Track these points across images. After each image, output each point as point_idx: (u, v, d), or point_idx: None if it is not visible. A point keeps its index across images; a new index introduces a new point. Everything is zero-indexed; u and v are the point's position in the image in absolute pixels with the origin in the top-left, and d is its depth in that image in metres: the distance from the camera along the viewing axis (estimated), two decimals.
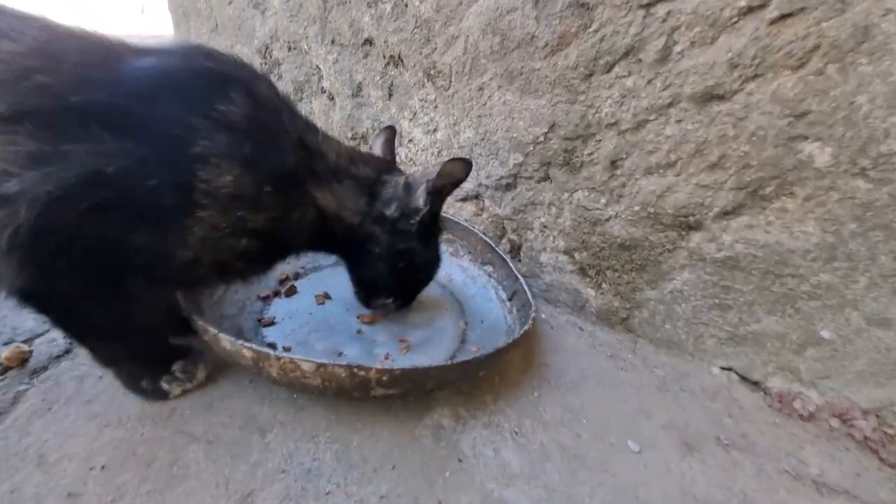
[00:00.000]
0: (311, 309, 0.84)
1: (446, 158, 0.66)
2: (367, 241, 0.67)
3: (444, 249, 1.03)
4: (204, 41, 1.36)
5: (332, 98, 1.15)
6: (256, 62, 1.24)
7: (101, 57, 0.47)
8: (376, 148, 0.79)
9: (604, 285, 0.87)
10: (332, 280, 0.93)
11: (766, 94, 0.62)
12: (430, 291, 0.95)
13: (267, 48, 1.21)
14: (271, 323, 0.78)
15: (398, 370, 0.54)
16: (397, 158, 1.04)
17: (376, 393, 0.56)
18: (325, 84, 1.15)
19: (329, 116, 1.17)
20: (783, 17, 0.59)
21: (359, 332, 0.80)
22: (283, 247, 0.61)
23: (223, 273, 0.56)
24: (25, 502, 0.48)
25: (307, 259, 0.98)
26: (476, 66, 0.87)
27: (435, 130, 0.99)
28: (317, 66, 1.14)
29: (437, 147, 1.00)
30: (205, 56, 0.53)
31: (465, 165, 0.66)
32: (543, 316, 0.92)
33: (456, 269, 1.00)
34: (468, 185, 0.98)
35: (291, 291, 0.87)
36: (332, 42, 1.08)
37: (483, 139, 0.91)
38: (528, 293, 0.82)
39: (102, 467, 0.53)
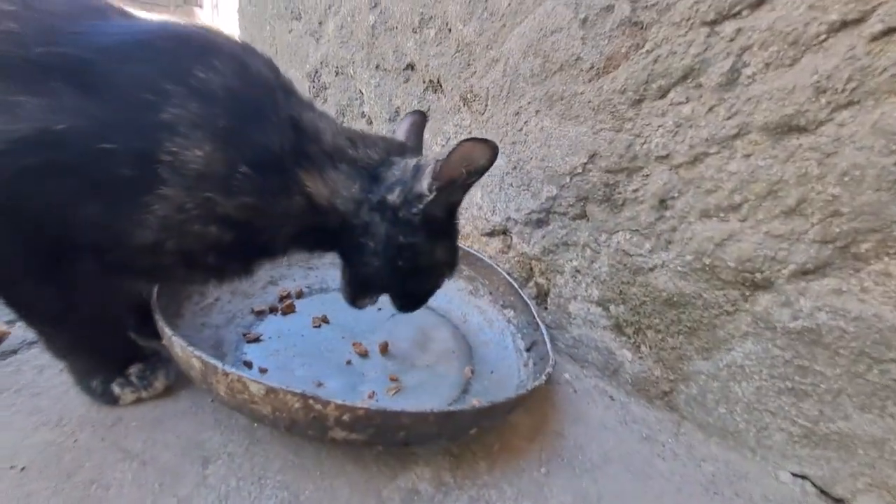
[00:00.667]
0: (304, 331, 0.76)
1: (464, 137, 0.56)
2: (362, 232, 0.57)
3: (463, 287, 0.94)
4: None
5: (370, 122, 1.14)
6: (305, 85, 1.27)
7: (84, 11, 0.45)
8: (399, 132, 0.70)
9: (643, 348, 0.72)
10: (336, 304, 0.85)
11: (863, 126, 0.49)
12: (440, 330, 0.84)
13: (316, 72, 1.24)
14: (256, 339, 0.71)
15: (362, 409, 0.44)
16: None
17: (336, 435, 0.46)
18: (366, 108, 1.14)
19: None
20: (889, 31, 0.47)
21: (348, 362, 0.70)
22: (263, 242, 0.53)
23: (190, 266, 0.49)
24: None
25: (315, 278, 0.92)
26: (514, 90, 0.80)
27: None
28: (360, 91, 1.14)
29: None
30: (201, 27, 0.49)
31: (487, 148, 0.52)
32: (566, 376, 0.78)
33: (473, 309, 0.90)
34: (495, 219, 0.89)
35: (289, 310, 0.80)
36: (377, 67, 1.08)
37: (515, 168, 0.83)
38: (549, 345, 0.70)
39: (22, 468, 0.46)
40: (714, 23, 0.58)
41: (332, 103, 1.22)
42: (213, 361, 0.45)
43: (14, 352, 0.61)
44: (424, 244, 0.58)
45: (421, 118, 0.72)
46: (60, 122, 0.39)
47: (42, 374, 0.58)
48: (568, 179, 0.76)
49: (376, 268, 0.58)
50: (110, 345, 0.54)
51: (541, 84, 0.76)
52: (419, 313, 0.88)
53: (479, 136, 0.52)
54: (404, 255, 0.58)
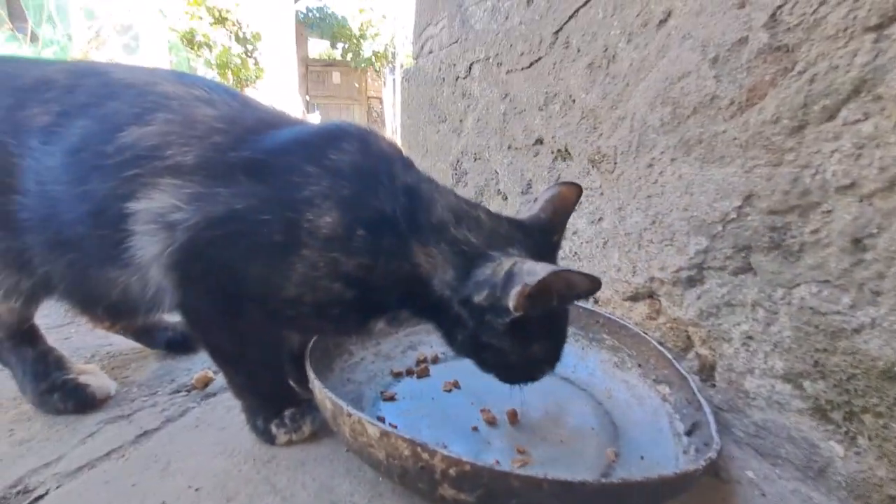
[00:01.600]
0: (435, 394, 0.77)
1: (567, 268, 0.50)
2: (454, 320, 0.57)
3: (607, 358, 0.84)
4: (418, 161, 1.66)
5: (505, 198, 1.20)
6: (449, 174, 1.42)
7: (265, 124, 0.61)
8: (538, 203, 0.66)
9: (860, 439, 0.52)
10: (468, 371, 0.84)
11: None
12: (578, 403, 0.76)
13: (458, 161, 1.39)
14: (391, 398, 0.74)
15: (468, 465, 0.41)
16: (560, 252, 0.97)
17: (445, 493, 0.44)
18: (501, 186, 1.21)
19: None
20: None
21: (475, 429, 0.68)
22: (377, 300, 0.58)
23: (321, 317, 0.57)
24: (136, 496, 0.52)
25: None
26: (644, 143, 0.77)
27: (600, 219, 0.89)
28: (495, 171, 1.23)
29: (602, 237, 0.89)
30: (342, 123, 0.61)
31: (587, 281, 0.49)
32: (750, 475, 0.60)
33: (619, 384, 0.79)
34: (637, 280, 0.81)
35: (424, 373, 0.83)
36: (508, 147, 1.16)
37: (654, 222, 0.76)
38: (713, 427, 0.57)
39: (197, 489, 0.54)
40: (880, 27, 0.48)
41: (472, 185, 1.33)
42: (340, 402, 0.49)
43: (214, 394, 0.76)
44: (513, 348, 0.57)
45: (569, 191, 0.65)
46: (240, 203, 0.52)
47: (230, 412, 0.71)
48: (720, 228, 0.66)
49: (469, 353, 0.60)
50: (272, 388, 0.64)
51: (673, 131, 0.72)
52: (556, 384, 0.82)
53: (580, 271, 0.50)
54: (492, 352, 0.58)
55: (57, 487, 0.54)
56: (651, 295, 0.80)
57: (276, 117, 0.64)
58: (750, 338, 0.64)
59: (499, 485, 0.41)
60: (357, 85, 16.26)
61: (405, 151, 1.76)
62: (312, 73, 14.83)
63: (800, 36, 0.55)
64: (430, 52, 1.58)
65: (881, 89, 0.49)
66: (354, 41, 13.43)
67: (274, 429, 0.62)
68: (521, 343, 0.56)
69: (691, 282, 0.71)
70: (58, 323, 0.95)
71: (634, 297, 0.83)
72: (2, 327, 0.68)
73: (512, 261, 0.54)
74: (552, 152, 1.01)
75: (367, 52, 13.13)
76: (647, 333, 0.78)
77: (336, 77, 15.75)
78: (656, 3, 0.74)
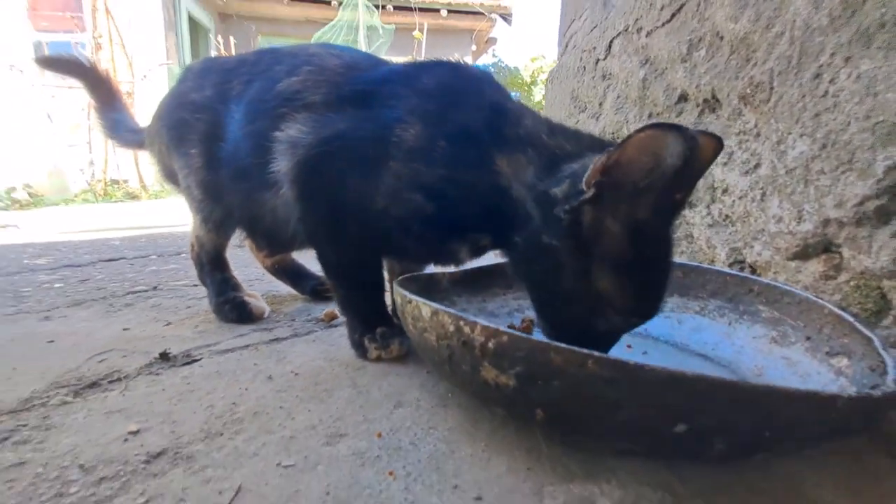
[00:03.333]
0: None
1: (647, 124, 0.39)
2: (519, 225, 0.51)
3: (761, 334, 0.66)
4: None
5: None
6: None
7: (372, 64, 0.69)
8: None
9: None
10: None
11: None
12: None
13: None
14: None
15: (506, 335, 0.37)
16: (709, 217, 0.82)
17: (487, 375, 0.40)
18: None
19: None
20: None
21: None
22: (457, 216, 0.57)
23: (406, 234, 0.60)
24: (254, 370, 0.62)
25: None
26: (807, 51, 0.61)
27: (756, 166, 0.72)
28: None
29: (759, 187, 0.71)
30: (440, 59, 0.65)
31: (676, 138, 0.38)
32: None
33: (776, 360, 0.60)
34: (805, 228, 0.62)
35: (527, 331, 0.78)
36: (649, 115, 1.05)
37: (825, 146, 0.58)
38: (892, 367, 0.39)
39: (296, 374, 0.62)
40: None
41: None
42: (404, 291, 0.51)
43: (336, 326, 0.86)
44: (569, 256, 0.47)
45: (705, 143, 0.42)
46: (343, 124, 0.60)
47: (342, 337, 0.77)
48: None
49: (525, 272, 0.52)
50: (369, 305, 0.69)
51: (846, 25, 0.55)
52: (683, 358, 0.68)
53: (670, 123, 0.39)
54: (544, 261, 0.49)
55: (208, 357, 0.68)
56: (827, 247, 0.60)
57: (390, 62, 0.73)
58: None
59: (538, 360, 0.36)
60: None
61: None
62: None
63: None
64: (574, 46, 1.57)
65: None
66: (526, 88, 14.12)
67: (367, 342, 0.66)
68: (582, 253, 0.46)
69: (883, 215, 0.52)
70: (246, 278, 1.22)
71: (803, 254, 0.64)
72: (204, 253, 0.90)
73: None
74: (697, 105, 0.88)
75: (537, 96, 13.63)
76: (820, 298, 0.58)
77: None
78: None
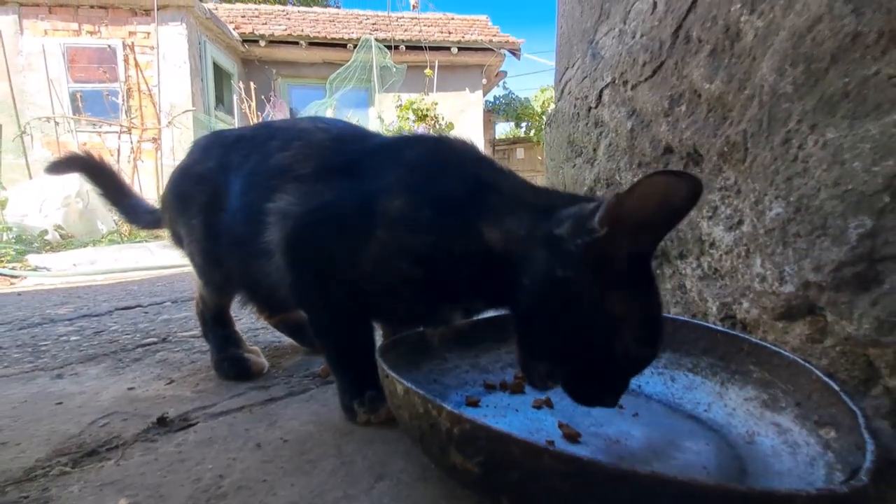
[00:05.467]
0: (521, 408, 0.71)
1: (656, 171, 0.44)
2: (521, 269, 0.53)
3: (753, 395, 0.65)
4: None
5: None
6: None
7: (362, 138, 0.73)
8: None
9: None
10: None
11: None
12: (696, 440, 0.60)
13: (591, 190, 1.32)
14: (475, 403, 0.72)
15: (468, 422, 0.38)
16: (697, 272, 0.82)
17: (455, 459, 0.41)
18: None
19: None
20: None
21: (550, 442, 0.60)
22: (445, 283, 0.59)
23: (395, 299, 0.61)
24: (245, 437, 0.63)
25: None
26: (776, 116, 0.62)
27: (739, 223, 0.73)
28: None
29: (742, 245, 0.72)
30: (421, 133, 0.69)
31: (682, 183, 0.43)
32: None
33: (767, 427, 0.60)
34: (787, 290, 0.62)
35: (518, 389, 0.78)
36: (638, 165, 1.06)
37: (798, 210, 0.59)
38: (870, 454, 0.38)
39: (285, 441, 0.63)
40: None
41: None
42: (384, 365, 0.52)
43: (332, 382, 0.87)
44: (586, 285, 0.49)
45: (669, 184, 0.45)
46: (330, 195, 0.64)
47: (336, 395, 0.79)
48: (887, 199, 0.47)
49: (530, 311, 0.53)
50: (357, 368, 0.70)
51: (809, 93, 0.57)
52: (676, 419, 0.67)
53: (676, 170, 0.46)
54: (560, 294, 0.50)
55: (203, 421, 0.70)
56: (811, 309, 0.60)
57: (377, 134, 0.77)
58: None
59: (498, 450, 0.37)
60: (539, 157, 17.06)
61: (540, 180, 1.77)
62: (498, 151, 16.28)
63: None
64: (569, 92, 1.61)
65: None
66: (537, 118, 14.36)
67: (356, 406, 0.68)
68: (598, 282, 0.49)
69: (861, 281, 0.51)
70: (252, 328, 1.25)
71: (789, 315, 0.63)
72: (207, 311, 0.94)
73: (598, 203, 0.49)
74: (682, 158, 0.89)
75: None
76: (808, 362, 0.58)
77: (520, 153, 16.89)
78: None
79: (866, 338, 0.52)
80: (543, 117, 14.40)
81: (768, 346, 0.64)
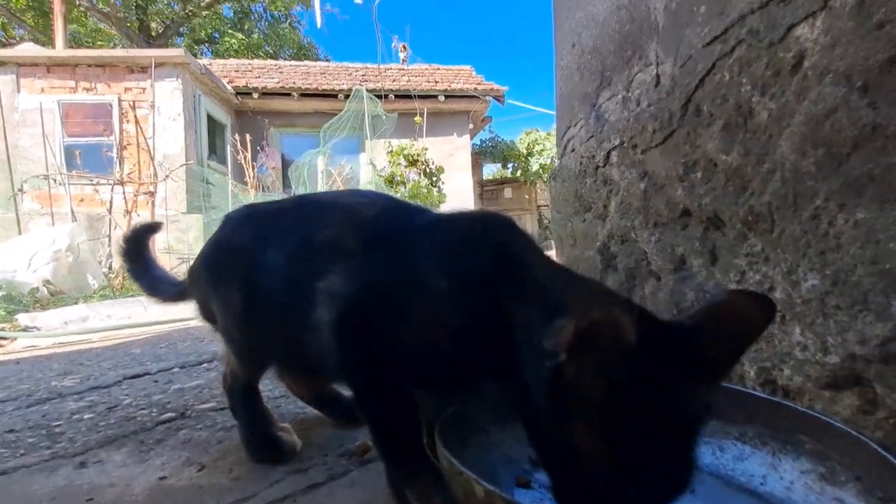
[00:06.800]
0: None
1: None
2: (525, 365, 0.53)
3: (809, 468, 0.65)
4: (567, 254, 1.68)
5: (658, 278, 1.11)
6: (597, 259, 1.40)
7: (405, 213, 0.76)
8: (701, 310, 0.55)
9: None
10: None
11: None
12: None
13: (605, 245, 1.36)
14: (526, 484, 0.71)
15: None
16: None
17: None
18: (652, 266, 1.13)
19: (656, 297, 1.11)
20: None
21: None
22: (472, 357, 0.61)
23: (429, 367, 0.63)
24: None
25: None
26: (801, 192, 0.66)
27: (770, 289, 0.75)
28: (643, 251, 1.16)
29: (777, 311, 0.74)
30: (461, 211, 0.73)
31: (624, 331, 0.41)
32: None
33: (830, 503, 0.59)
34: (832, 360, 0.64)
35: None
36: (654, 224, 1.10)
37: (835, 283, 0.62)
38: None
39: None
40: None
41: (622, 268, 1.27)
42: (453, 460, 0.52)
43: (370, 461, 0.85)
44: (551, 414, 0.48)
45: (745, 303, 0.50)
46: (379, 275, 0.67)
47: (379, 477, 0.77)
48: None
49: (524, 407, 0.53)
50: (407, 449, 0.69)
51: (833, 174, 0.61)
52: (730, 492, 0.66)
53: (614, 307, 0.42)
54: (533, 406, 0.50)
55: None
56: (858, 380, 0.61)
57: (417, 210, 0.80)
58: None
59: None
60: (527, 197, 17.46)
61: (556, 246, 1.80)
62: (487, 192, 16.65)
63: None
64: (573, 150, 1.68)
65: None
66: (523, 160, 14.80)
67: (408, 494, 0.66)
68: (563, 414, 0.46)
69: None
70: (271, 396, 1.22)
71: (835, 385, 0.65)
72: (237, 386, 0.92)
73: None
74: (701, 222, 0.93)
75: (534, 166, 14.24)
76: (862, 433, 0.59)
77: (507, 192, 17.29)
78: (784, 50, 0.70)
79: None
80: (529, 158, 14.84)
81: (820, 415, 0.64)
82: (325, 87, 10.17)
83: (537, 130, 14.81)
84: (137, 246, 1.15)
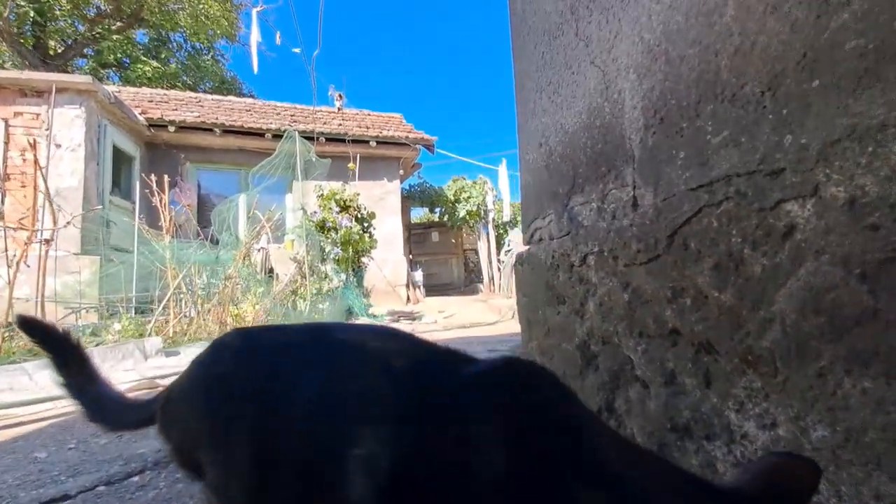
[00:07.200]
0: None
1: None
2: None
3: None
4: (539, 342, 1.71)
5: (646, 386, 1.16)
6: (577, 356, 1.44)
7: (444, 363, 0.73)
8: (746, 474, 0.59)
9: None
10: None
11: None
12: None
13: (585, 343, 1.41)
14: None
15: None
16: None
17: None
18: (638, 372, 1.19)
19: (645, 405, 1.16)
20: None
21: None
22: None
23: None
24: None
25: None
26: (805, 350, 0.74)
27: (774, 425, 0.82)
28: (628, 357, 1.22)
29: (780, 445, 0.81)
30: (507, 362, 0.70)
31: None
32: None
33: None
34: None
35: None
36: (640, 334, 1.17)
37: (847, 440, 0.69)
38: None
39: None
40: None
41: (603, 369, 1.33)
42: None
43: None
44: None
45: (796, 468, 0.55)
46: (420, 444, 0.62)
47: None
48: None
49: None
50: None
51: (838, 341, 0.69)
52: None
53: None
54: None
55: None
56: None
57: (452, 358, 0.76)
58: None
59: None
60: (454, 241, 17.90)
61: (524, 327, 1.83)
62: (414, 235, 16.81)
63: None
64: (541, 239, 1.76)
65: None
66: (450, 205, 15.26)
67: None
68: None
69: None
70: None
71: None
72: None
73: None
74: (692, 344, 1.01)
75: (461, 212, 14.73)
76: None
77: (435, 236, 17.60)
78: (775, 218, 0.80)
79: None
80: (456, 205, 15.30)
81: None
82: (251, 124, 9.78)
83: (464, 178, 15.46)
84: (59, 342, 0.95)
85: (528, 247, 1.85)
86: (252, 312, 6.51)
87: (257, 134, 9.65)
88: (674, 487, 0.58)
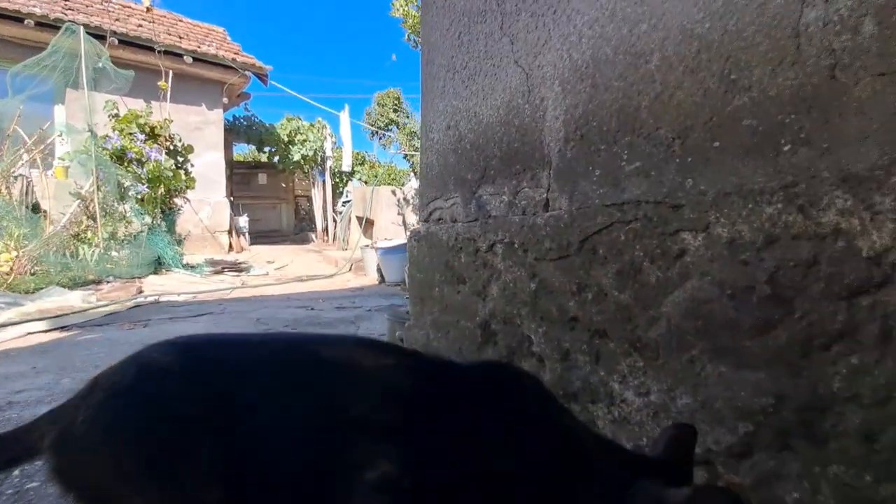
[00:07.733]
0: None
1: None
2: None
3: None
4: (434, 317, 1.81)
5: (541, 360, 1.38)
6: (477, 333, 1.60)
7: (441, 373, 0.76)
8: (658, 445, 0.76)
9: None
10: None
11: None
12: None
13: (486, 322, 1.57)
14: None
15: None
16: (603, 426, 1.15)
17: None
18: (535, 349, 1.40)
19: (539, 375, 1.38)
20: None
21: None
22: None
23: None
24: None
25: None
26: (683, 343, 1.01)
27: (647, 393, 1.10)
28: (527, 336, 1.42)
29: (651, 408, 1.09)
30: (496, 375, 0.77)
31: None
32: None
33: None
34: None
35: None
36: (542, 319, 1.37)
37: (703, 406, 0.98)
38: None
39: None
40: (850, 297, 0.77)
41: (502, 345, 1.51)
42: None
43: None
44: None
45: (686, 434, 0.75)
46: (437, 459, 0.65)
47: None
48: (761, 417, 0.89)
49: None
50: None
51: (707, 339, 0.97)
52: None
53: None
54: None
55: None
56: (708, 461, 1.00)
57: (442, 368, 0.78)
58: (800, 502, 0.85)
59: None
60: (284, 185, 16.40)
61: (415, 302, 1.89)
62: (237, 174, 14.79)
63: (792, 293, 0.84)
64: (440, 219, 1.82)
65: (859, 336, 0.77)
66: (283, 146, 13.85)
67: None
68: None
69: (742, 455, 0.93)
70: None
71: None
72: None
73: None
74: (588, 330, 1.24)
75: (295, 156, 13.55)
76: None
77: (262, 178, 15.83)
78: (672, 242, 1.04)
79: (746, 485, 0.93)
80: (290, 147, 13.99)
81: None
82: (3, 3, 6.95)
83: (300, 119, 14.13)
84: None
85: (425, 224, 1.89)
86: (9, 260, 4.96)
87: (15, 19, 6.89)
88: (631, 467, 0.75)
